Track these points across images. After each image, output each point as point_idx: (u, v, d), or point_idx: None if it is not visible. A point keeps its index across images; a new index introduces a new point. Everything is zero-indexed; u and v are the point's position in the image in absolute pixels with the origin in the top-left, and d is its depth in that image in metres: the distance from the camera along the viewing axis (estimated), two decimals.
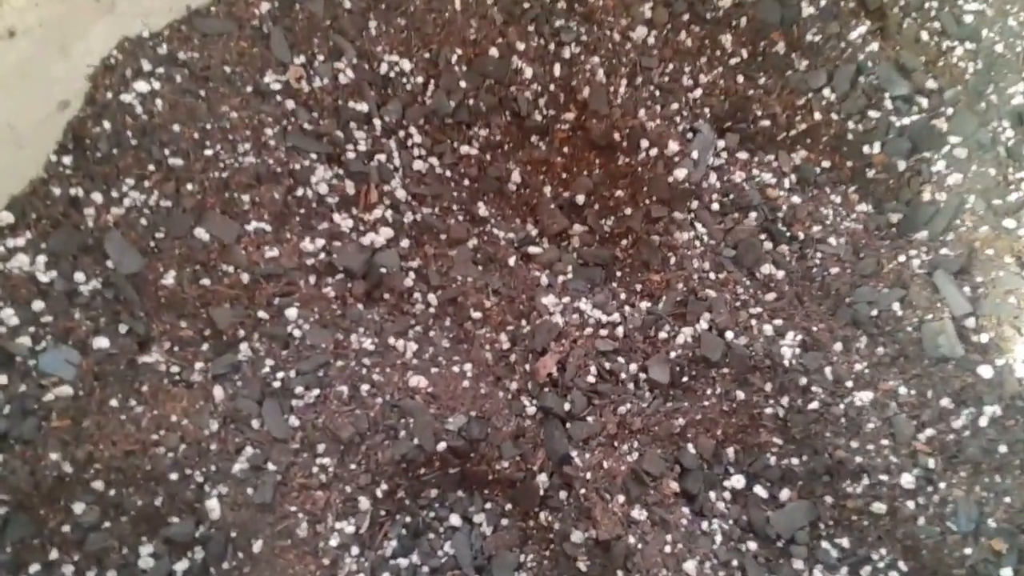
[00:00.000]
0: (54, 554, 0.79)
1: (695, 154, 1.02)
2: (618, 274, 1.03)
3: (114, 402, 0.83)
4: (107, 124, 0.89)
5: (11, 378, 0.80)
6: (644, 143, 1.02)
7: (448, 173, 1.07)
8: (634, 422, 0.91)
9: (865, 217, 1.04)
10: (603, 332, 0.96)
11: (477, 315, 1.02)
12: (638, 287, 1.00)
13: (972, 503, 0.83)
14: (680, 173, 1.00)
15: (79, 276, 0.86)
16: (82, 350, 0.85)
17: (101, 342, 0.85)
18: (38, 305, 0.85)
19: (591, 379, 0.93)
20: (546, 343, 0.95)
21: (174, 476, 0.81)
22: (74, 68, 0.88)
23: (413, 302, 1.02)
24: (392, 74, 1.05)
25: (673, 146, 1.01)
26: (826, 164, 1.07)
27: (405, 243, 1.03)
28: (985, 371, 0.88)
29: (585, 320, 0.97)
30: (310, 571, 0.83)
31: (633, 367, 0.94)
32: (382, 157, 1.04)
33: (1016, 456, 0.84)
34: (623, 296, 1.01)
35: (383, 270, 1.01)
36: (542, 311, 0.98)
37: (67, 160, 0.88)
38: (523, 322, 1.01)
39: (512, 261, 1.05)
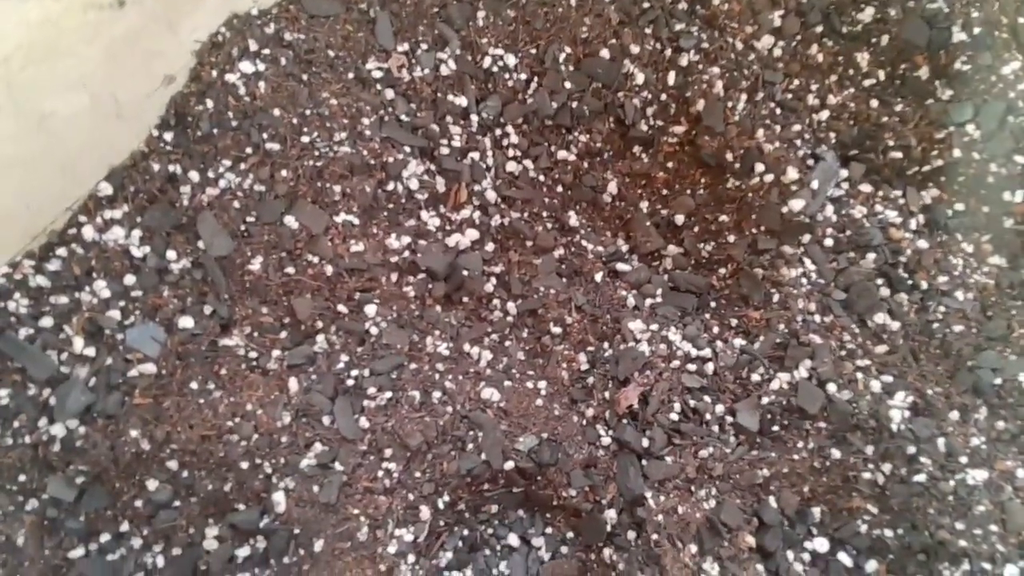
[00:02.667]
0: (125, 527, 0.80)
1: (815, 184, 0.93)
2: (712, 305, 0.97)
3: (194, 384, 0.83)
4: (210, 103, 0.88)
5: (99, 351, 0.82)
6: (759, 167, 0.94)
7: (542, 177, 1.02)
8: (715, 467, 0.85)
9: (998, 272, 0.94)
10: (691, 367, 0.90)
11: (557, 330, 0.97)
12: (733, 322, 0.94)
13: None
14: (796, 204, 0.92)
15: (171, 254, 0.87)
16: (168, 328, 0.85)
17: (186, 322, 0.85)
18: (129, 279, 0.85)
19: (674, 416, 0.87)
20: (629, 372, 0.90)
21: (244, 465, 0.81)
22: (181, 43, 0.87)
23: (492, 309, 0.99)
24: (495, 68, 1.00)
25: (792, 173, 0.92)
26: (960, 207, 0.97)
27: (490, 247, 0.99)
28: None
29: (673, 352, 0.91)
30: (366, 575, 0.82)
31: (720, 408, 0.88)
32: (476, 155, 1.00)
33: None
34: (716, 330, 0.94)
35: (465, 273, 0.97)
36: (627, 336, 0.93)
37: (168, 136, 0.88)
38: (605, 344, 0.96)
39: (599, 277, 1.00)
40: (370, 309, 0.93)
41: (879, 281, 0.93)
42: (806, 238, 0.95)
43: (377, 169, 0.94)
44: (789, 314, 0.91)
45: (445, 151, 0.98)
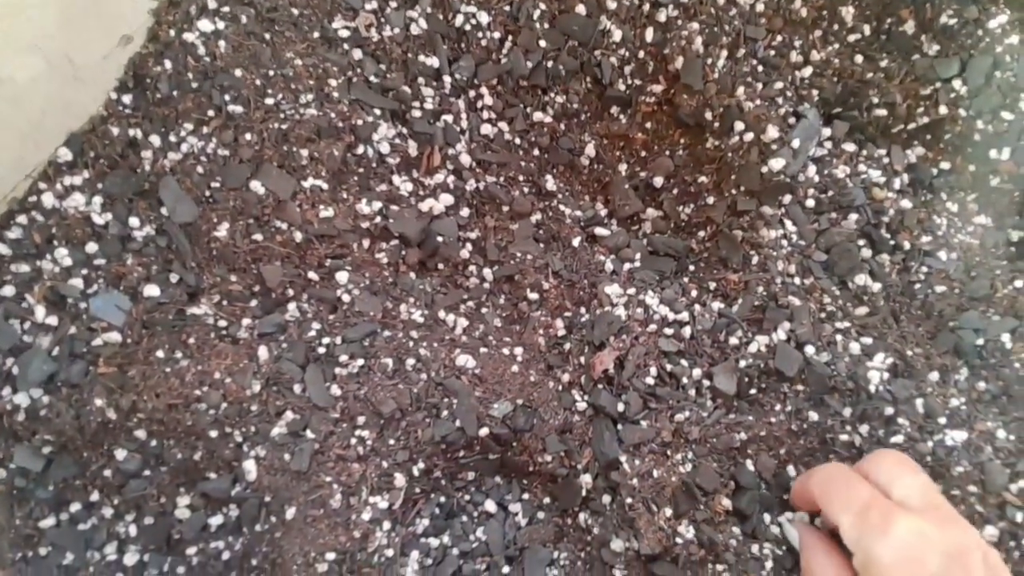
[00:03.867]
0: (95, 496, 0.80)
1: (796, 142, 0.91)
2: (691, 268, 0.95)
3: (160, 353, 0.82)
4: (168, 64, 0.85)
5: (61, 320, 0.80)
6: (739, 125, 0.91)
7: (517, 140, 1.00)
8: (691, 431, 0.84)
9: (983, 232, 0.92)
10: (668, 331, 0.89)
11: (534, 296, 0.96)
12: (712, 285, 0.92)
13: None
14: (776, 163, 0.90)
15: (133, 221, 0.85)
16: (133, 297, 0.83)
17: (152, 290, 0.84)
18: (92, 247, 0.83)
19: (650, 380, 0.86)
20: (605, 337, 0.88)
21: (214, 433, 0.80)
22: (139, 2, 0.84)
23: (468, 275, 0.97)
24: (468, 27, 0.97)
25: (772, 131, 0.90)
26: (945, 166, 0.94)
27: (465, 212, 0.97)
28: None
29: (650, 316, 0.90)
30: (340, 542, 0.82)
31: (697, 372, 0.87)
32: (449, 118, 0.97)
33: None
34: (694, 293, 0.92)
35: (440, 239, 0.95)
36: (604, 301, 0.91)
37: (127, 99, 0.85)
38: (582, 309, 0.94)
39: (577, 242, 0.98)
40: (342, 276, 0.91)
41: (861, 242, 0.91)
42: (787, 199, 0.92)
43: (346, 132, 0.91)
44: (768, 276, 0.89)
45: (417, 114, 0.96)
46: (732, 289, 0.90)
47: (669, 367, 0.87)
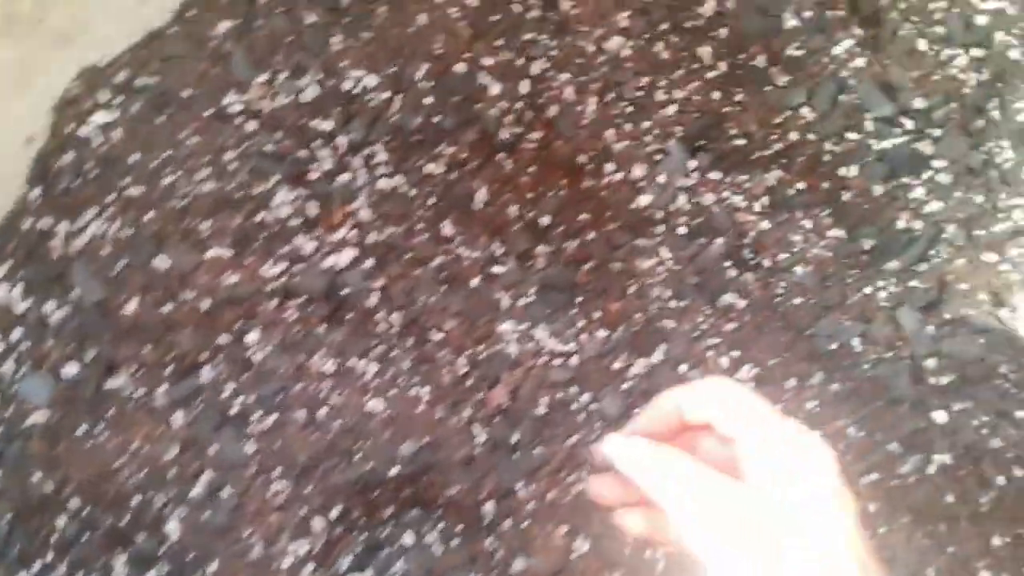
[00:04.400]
0: (50, 557, 0.86)
1: (662, 178, 1.00)
2: (579, 300, 1.03)
3: (83, 427, 0.88)
4: (69, 157, 0.91)
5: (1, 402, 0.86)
6: (609, 166, 1.00)
7: (413, 192, 1.07)
8: (582, 454, 0.93)
9: (836, 243, 1.01)
10: (557, 362, 0.97)
11: (438, 336, 1.03)
12: (597, 315, 1.00)
13: (912, 551, 0.83)
14: (644, 199, 0.98)
15: (50, 305, 0.90)
16: (55, 376, 0.89)
17: (71, 368, 0.90)
18: (16, 333, 0.89)
19: (542, 410, 0.94)
20: (499, 373, 0.96)
21: (137, 499, 0.87)
22: (38, 103, 0.90)
23: (376, 322, 1.04)
24: (357, 90, 1.04)
25: (638, 170, 0.98)
26: (801, 186, 1.04)
27: (369, 263, 1.04)
28: (940, 416, 0.87)
29: (540, 349, 0.98)
30: None
31: (585, 398, 0.95)
32: (346, 177, 1.04)
33: (964, 507, 0.83)
34: (581, 324, 1.01)
35: (346, 291, 1.02)
36: (498, 338, 0.99)
37: (36, 192, 0.91)
38: (481, 347, 1.02)
39: (475, 282, 1.05)
40: (251, 337, 0.98)
41: (727, 263, 1.00)
42: (660, 229, 1.01)
43: (245, 201, 0.98)
44: (645, 303, 0.98)
45: (315, 176, 1.02)
46: (614, 318, 0.98)
47: (559, 395, 0.95)
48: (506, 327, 1.00)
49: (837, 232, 1.02)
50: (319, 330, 1.01)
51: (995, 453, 0.82)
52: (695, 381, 0.41)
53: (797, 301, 0.98)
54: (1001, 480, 0.81)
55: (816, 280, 0.99)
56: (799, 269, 0.99)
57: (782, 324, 0.97)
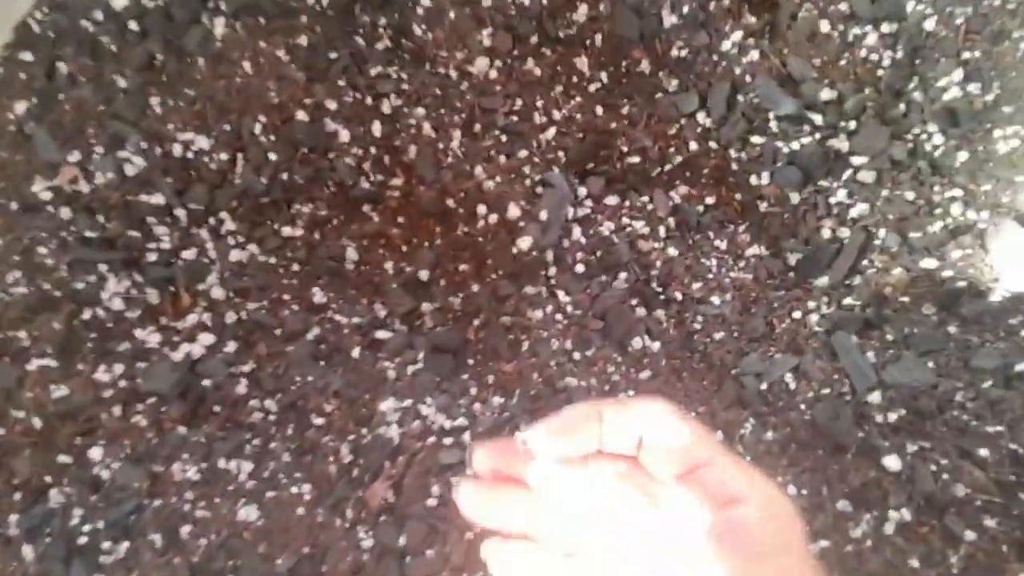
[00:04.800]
0: None
1: (544, 214, 0.86)
2: (470, 362, 0.89)
3: None
4: None
5: None
6: (481, 208, 0.87)
7: (273, 260, 0.93)
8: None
9: (757, 262, 0.88)
10: (447, 441, 0.83)
11: (319, 421, 0.89)
12: (491, 379, 0.86)
13: None
14: (524, 242, 0.85)
15: None
16: None
17: None
18: None
19: (432, 503, 0.80)
20: (380, 463, 0.82)
21: None
22: None
23: (249, 412, 0.90)
24: (189, 155, 0.91)
25: (514, 209, 0.85)
26: (710, 201, 0.91)
27: (232, 346, 0.91)
28: (892, 462, 0.73)
29: (428, 427, 0.84)
30: None
31: None
32: (191, 253, 0.90)
33: (931, 570, 0.69)
34: (474, 391, 0.87)
35: (207, 383, 0.89)
36: (379, 419, 0.85)
37: None
38: (364, 430, 0.88)
39: (357, 352, 0.92)
40: (95, 453, 0.84)
41: (634, 301, 0.87)
42: (552, 271, 0.88)
43: (66, 300, 0.84)
44: (543, 360, 0.84)
45: (152, 257, 0.89)
46: (508, 381, 0.85)
47: (454, 480, 0.81)
48: (387, 405, 0.86)
49: (756, 250, 0.89)
50: (178, 433, 0.87)
51: (960, 503, 0.68)
52: (624, 400, 0.34)
53: (718, 336, 0.84)
54: (970, 535, 0.67)
55: (737, 309, 0.85)
56: (716, 298, 0.86)
57: (703, 365, 0.84)
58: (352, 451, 0.87)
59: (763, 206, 0.90)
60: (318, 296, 0.94)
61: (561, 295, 0.88)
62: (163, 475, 0.85)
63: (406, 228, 0.92)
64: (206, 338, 0.89)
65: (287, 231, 0.93)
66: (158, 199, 0.89)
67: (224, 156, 0.91)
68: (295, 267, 0.94)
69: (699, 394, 0.83)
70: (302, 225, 0.93)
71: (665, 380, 0.83)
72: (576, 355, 0.86)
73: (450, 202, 0.87)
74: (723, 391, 0.82)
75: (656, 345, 0.85)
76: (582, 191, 0.91)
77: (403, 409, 0.85)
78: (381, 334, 0.93)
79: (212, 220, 0.92)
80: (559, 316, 0.87)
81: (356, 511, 0.83)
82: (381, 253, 0.95)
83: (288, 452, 0.89)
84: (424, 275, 0.92)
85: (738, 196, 0.91)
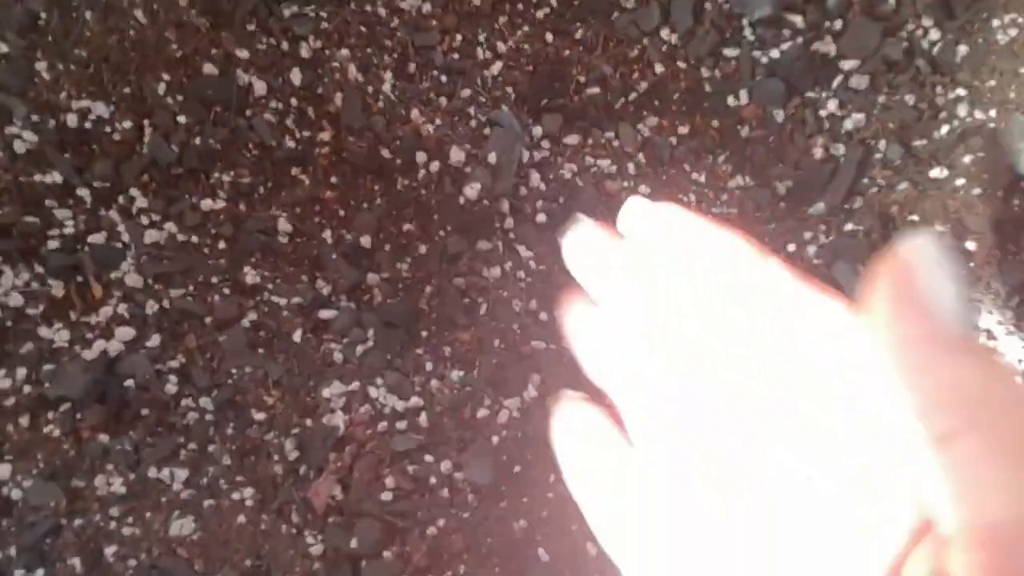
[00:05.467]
0: None
1: (492, 157, 0.75)
2: (424, 334, 0.78)
3: None
4: None
5: None
6: (421, 156, 0.75)
7: (195, 239, 0.82)
8: (453, 542, 0.68)
9: (742, 195, 0.77)
10: (401, 424, 0.72)
11: (260, 416, 0.79)
12: (448, 351, 0.75)
13: None
14: (471, 190, 0.74)
15: None
16: None
17: None
18: None
19: (388, 496, 0.69)
20: (324, 457, 0.71)
21: None
22: None
23: (182, 413, 0.80)
24: (87, 125, 0.79)
25: (457, 154, 0.74)
26: (684, 130, 0.79)
27: (156, 339, 0.80)
28: None
29: (379, 412, 0.73)
30: None
31: (446, 466, 0.70)
32: (99, 237, 0.79)
33: None
34: (430, 366, 0.76)
35: (129, 383, 0.78)
36: (323, 407, 0.74)
37: None
38: (309, 421, 0.77)
39: (299, 335, 0.81)
40: (2, 470, 0.73)
41: None
42: (508, 223, 0.77)
43: None
44: (502, 325, 0.73)
45: (54, 244, 0.78)
46: (467, 350, 0.74)
47: (411, 469, 0.70)
48: (330, 391, 0.75)
49: (740, 181, 0.78)
50: (99, 441, 0.76)
51: None
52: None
53: None
54: None
55: None
56: None
57: None
58: (298, 446, 0.77)
59: (744, 130, 0.79)
60: (250, 276, 0.83)
61: (521, 249, 0.77)
62: (83, 490, 0.75)
63: (341, 189, 0.81)
64: (124, 332, 0.79)
65: (207, 204, 0.82)
66: (56, 178, 0.78)
67: (127, 124, 0.80)
68: (221, 245, 0.83)
69: None
70: (224, 196, 0.82)
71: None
72: (542, 315, 0.75)
73: (386, 153, 0.76)
74: None
75: None
76: (537, 131, 0.80)
77: (348, 393, 0.75)
78: (325, 313, 0.82)
79: (121, 198, 0.81)
80: (520, 273, 0.76)
81: (302, 514, 0.72)
82: (317, 221, 0.84)
83: (228, 454, 0.79)
84: (366, 241, 0.81)
85: (715, 122, 0.80)
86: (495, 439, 0.70)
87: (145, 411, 0.79)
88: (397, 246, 0.80)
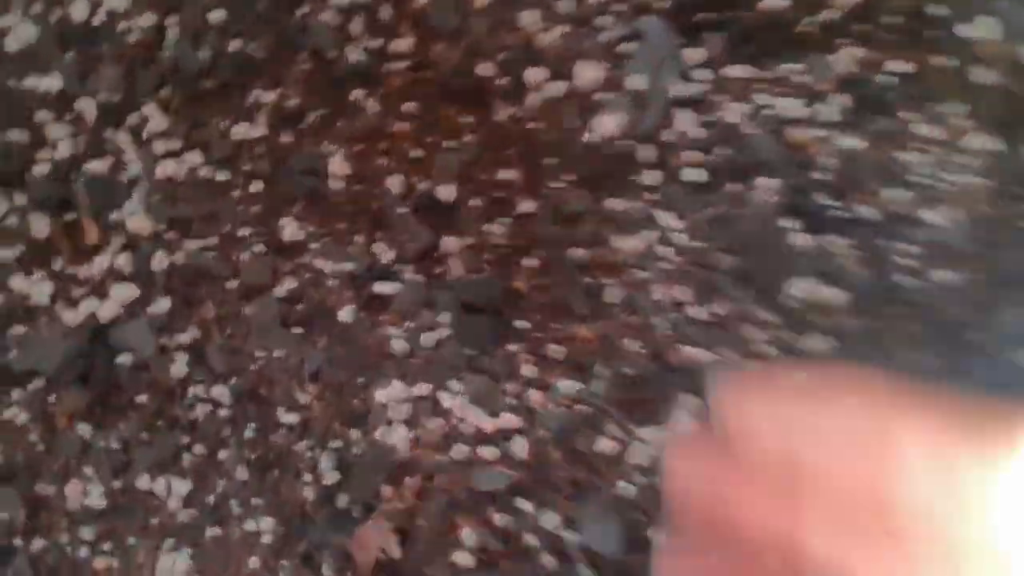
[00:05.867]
0: None
1: (635, 81, 0.53)
2: (521, 326, 0.57)
3: None
4: None
5: None
6: (535, 75, 0.54)
7: (222, 175, 0.63)
8: None
9: (991, 161, 0.53)
10: (488, 452, 0.50)
11: (290, 418, 0.59)
12: (556, 350, 0.54)
13: None
14: (606, 123, 0.52)
15: None
16: None
17: None
18: None
19: (463, 558, 0.48)
20: (374, 488, 0.50)
21: None
22: None
23: (191, 403, 0.60)
24: (96, 20, 0.60)
25: (589, 71, 0.52)
26: (902, 68, 0.56)
27: (163, 304, 0.61)
28: None
29: (455, 430, 0.52)
30: None
31: (551, 519, 0.48)
32: (100, 165, 0.60)
33: None
34: (528, 371, 0.54)
35: (124, 359, 0.59)
36: (377, 416, 0.54)
37: None
38: (356, 433, 0.56)
39: (348, 313, 0.61)
40: None
41: (787, 223, 0.53)
42: (648, 177, 0.55)
43: None
44: (642, 319, 0.51)
45: (43, 170, 0.59)
46: (587, 353, 0.52)
47: (499, 519, 0.48)
48: (386, 394, 0.54)
49: (982, 140, 0.54)
50: (77, 434, 0.58)
51: None
52: None
53: (940, 275, 0.50)
54: None
55: (966, 228, 0.51)
56: (928, 213, 0.52)
57: (912, 320, 0.50)
58: (338, 467, 0.56)
59: (979, 73, 0.55)
60: (290, 230, 0.63)
61: (667, 217, 0.55)
62: (50, 500, 0.56)
63: (418, 119, 0.60)
64: (123, 292, 0.60)
65: (241, 131, 0.62)
66: (51, 83, 0.59)
67: (147, 20, 0.60)
68: (255, 186, 0.63)
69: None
70: (264, 122, 0.62)
71: (854, 350, 0.49)
72: (695, 311, 0.52)
73: (485, 69, 0.55)
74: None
75: (833, 293, 0.51)
76: (691, 54, 0.57)
77: (413, 400, 0.53)
78: (383, 287, 0.61)
79: (132, 117, 0.61)
80: (664, 249, 0.54)
81: (338, 567, 0.51)
82: (382, 163, 0.63)
83: (244, 465, 0.59)
84: (447, 192, 0.60)
85: (940, 60, 0.56)
86: (623, 486, 0.48)
87: (141, 398, 0.60)
88: (490, 201, 0.59)
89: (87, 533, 0.55)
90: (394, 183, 0.62)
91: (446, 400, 0.52)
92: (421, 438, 0.50)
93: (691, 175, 0.56)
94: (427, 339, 0.58)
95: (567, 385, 0.52)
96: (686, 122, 0.56)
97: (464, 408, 0.51)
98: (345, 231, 0.64)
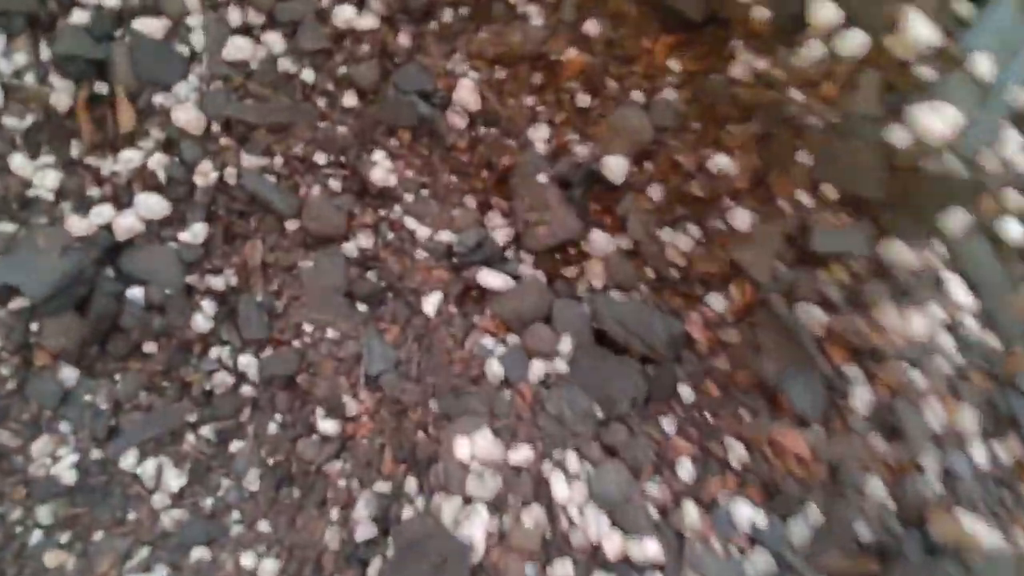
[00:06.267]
0: None
1: (983, 61, 0.32)
2: (684, 392, 0.38)
3: None
4: None
5: None
6: (823, 10, 0.33)
7: (307, 72, 0.45)
8: None
9: None
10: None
11: (329, 427, 0.43)
12: (733, 449, 0.35)
13: None
14: (931, 115, 0.31)
15: None
16: None
17: None
18: None
19: None
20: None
21: None
22: None
23: (209, 370, 0.46)
24: None
25: (920, 27, 0.31)
26: None
27: (199, 230, 0.46)
28: None
29: (565, 536, 0.34)
30: None
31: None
32: (155, 26, 0.44)
33: None
34: (688, 469, 0.35)
35: (135, 293, 0.45)
36: (449, 476, 0.36)
37: None
38: (411, 480, 0.40)
39: (435, 303, 0.44)
40: None
41: None
42: (961, 221, 0.34)
43: None
44: (899, 448, 0.31)
45: (81, 18, 0.43)
46: (793, 474, 0.33)
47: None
48: (469, 449, 0.37)
49: None
50: (59, 378, 0.44)
51: None
52: None
53: None
54: None
55: None
56: None
57: None
58: (378, 513, 0.40)
59: None
60: (381, 170, 0.46)
61: (958, 286, 0.34)
62: (10, 455, 0.43)
63: (599, 49, 0.40)
64: (150, 204, 0.45)
65: (345, 13, 0.44)
66: None
67: None
68: (349, 99, 0.46)
69: None
70: (378, 7, 0.44)
71: None
72: (975, 450, 0.32)
73: None
74: None
75: None
76: None
77: (509, 471, 0.36)
78: (489, 277, 0.44)
79: None
80: (946, 338, 0.34)
81: None
82: (529, 103, 0.44)
83: (259, 470, 0.45)
84: (618, 167, 0.40)
85: None
86: None
87: (149, 347, 0.46)
88: (677, 193, 0.39)
89: (45, 514, 0.42)
90: (540, 135, 0.43)
91: (558, 484, 0.34)
92: (510, 536, 0.33)
93: (1010, 230, 0.34)
94: (538, 369, 0.40)
95: (747, 511, 0.33)
96: (1015, 146, 0.35)
97: (584, 505, 0.33)
98: (455, 187, 0.46)
